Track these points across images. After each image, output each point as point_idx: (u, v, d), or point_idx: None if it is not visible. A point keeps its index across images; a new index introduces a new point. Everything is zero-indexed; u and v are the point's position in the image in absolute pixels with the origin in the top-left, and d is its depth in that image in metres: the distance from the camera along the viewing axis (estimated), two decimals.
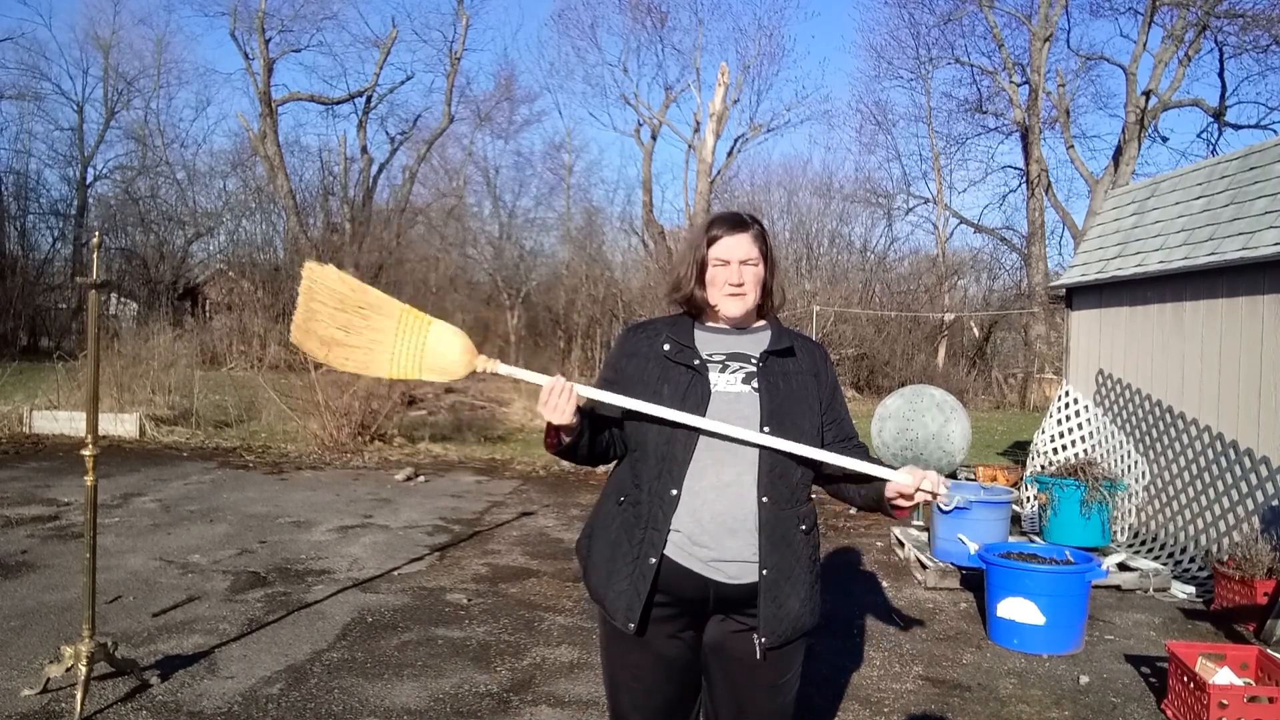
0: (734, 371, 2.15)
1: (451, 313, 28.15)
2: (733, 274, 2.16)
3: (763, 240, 2.21)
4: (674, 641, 2.16)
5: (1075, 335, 8.19)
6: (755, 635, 2.09)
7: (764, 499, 2.07)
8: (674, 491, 2.08)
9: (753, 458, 2.08)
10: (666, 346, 2.18)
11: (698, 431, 2.08)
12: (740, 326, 2.24)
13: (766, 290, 2.23)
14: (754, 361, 2.16)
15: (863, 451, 2.21)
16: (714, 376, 2.13)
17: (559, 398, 2.03)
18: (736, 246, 2.17)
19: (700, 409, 2.09)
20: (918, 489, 2.01)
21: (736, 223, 2.20)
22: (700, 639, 2.19)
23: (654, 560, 2.08)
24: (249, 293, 24.96)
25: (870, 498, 2.16)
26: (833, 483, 2.24)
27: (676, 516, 2.08)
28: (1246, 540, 5.30)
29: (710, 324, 2.25)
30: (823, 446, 2.18)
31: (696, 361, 2.14)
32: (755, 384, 2.13)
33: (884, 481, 2.07)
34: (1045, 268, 25.44)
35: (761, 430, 2.08)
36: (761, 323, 2.28)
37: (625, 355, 2.23)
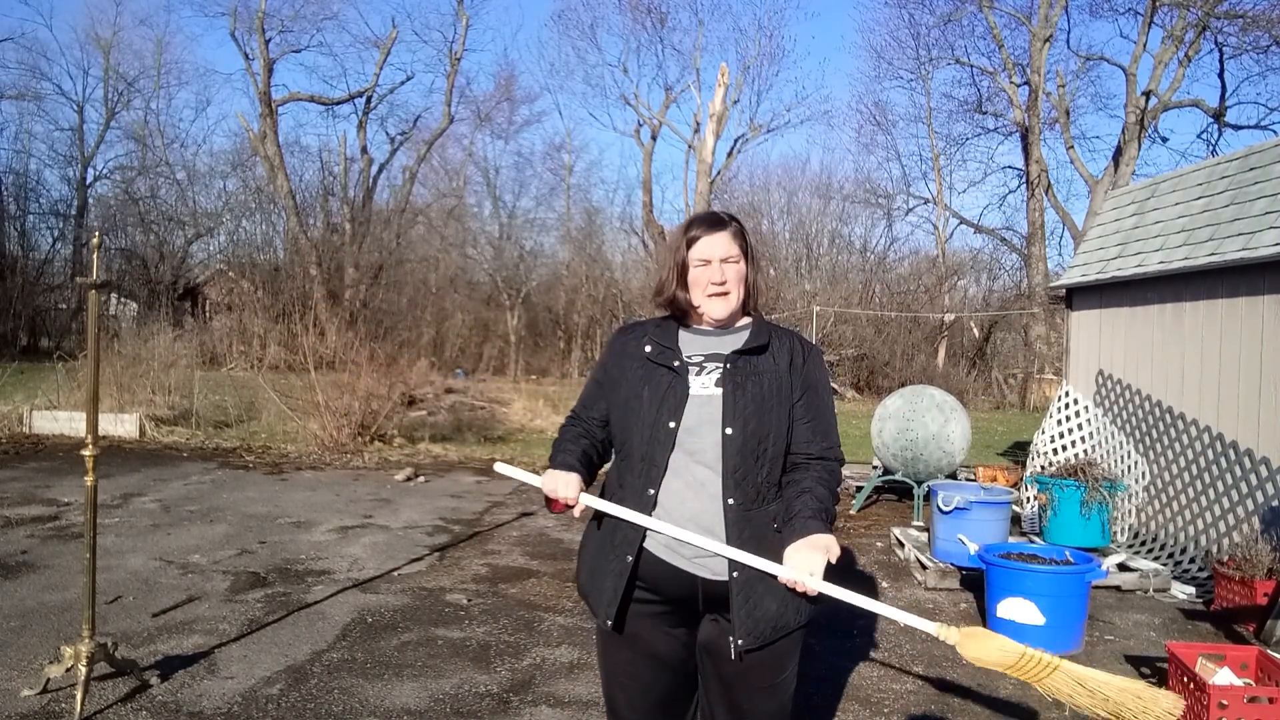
0: (709, 373, 2.15)
1: (451, 313, 28.24)
2: (714, 273, 2.16)
3: (742, 237, 2.21)
4: (667, 639, 2.17)
5: (1075, 335, 8.19)
6: (731, 639, 2.08)
7: (729, 501, 2.07)
8: (651, 491, 2.10)
9: (715, 459, 2.08)
10: (648, 348, 2.19)
11: (673, 438, 2.09)
12: (725, 326, 2.23)
13: (750, 288, 2.23)
14: (725, 362, 2.16)
15: (816, 480, 2.13)
16: (691, 379, 2.14)
17: (563, 494, 2.11)
18: (716, 245, 2.18)
19: (678, 411, 2.10)
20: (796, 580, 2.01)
21: (714, 222, 2.21)
22: (694, 638, 2.20)
23: (630, 558, 2.10)
24: (249, 293, 25.00)
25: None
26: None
27: (654, 515, 2.09)
28: (1246, 541, 5.30)
29: (695, 326, 2.25)
30: (789, 448, 2.16)
31: (676, 363, 2.15)
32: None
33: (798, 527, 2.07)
34: (1045, 268, 25.44)
35: (724, 432, 2.08)
36: (745, 321, 2.27)
37: (612, 357, 2.26)
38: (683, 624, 2.17)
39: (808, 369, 2.20)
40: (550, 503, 2.14)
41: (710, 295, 2.17)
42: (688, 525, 2.07)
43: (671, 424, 2.09)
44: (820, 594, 2.01)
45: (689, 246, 2.19)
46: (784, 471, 2.15)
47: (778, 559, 2.08)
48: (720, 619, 2.14)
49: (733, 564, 2.06)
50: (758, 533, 2.09)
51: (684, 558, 2.09)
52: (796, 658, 2.20)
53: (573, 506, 2.12)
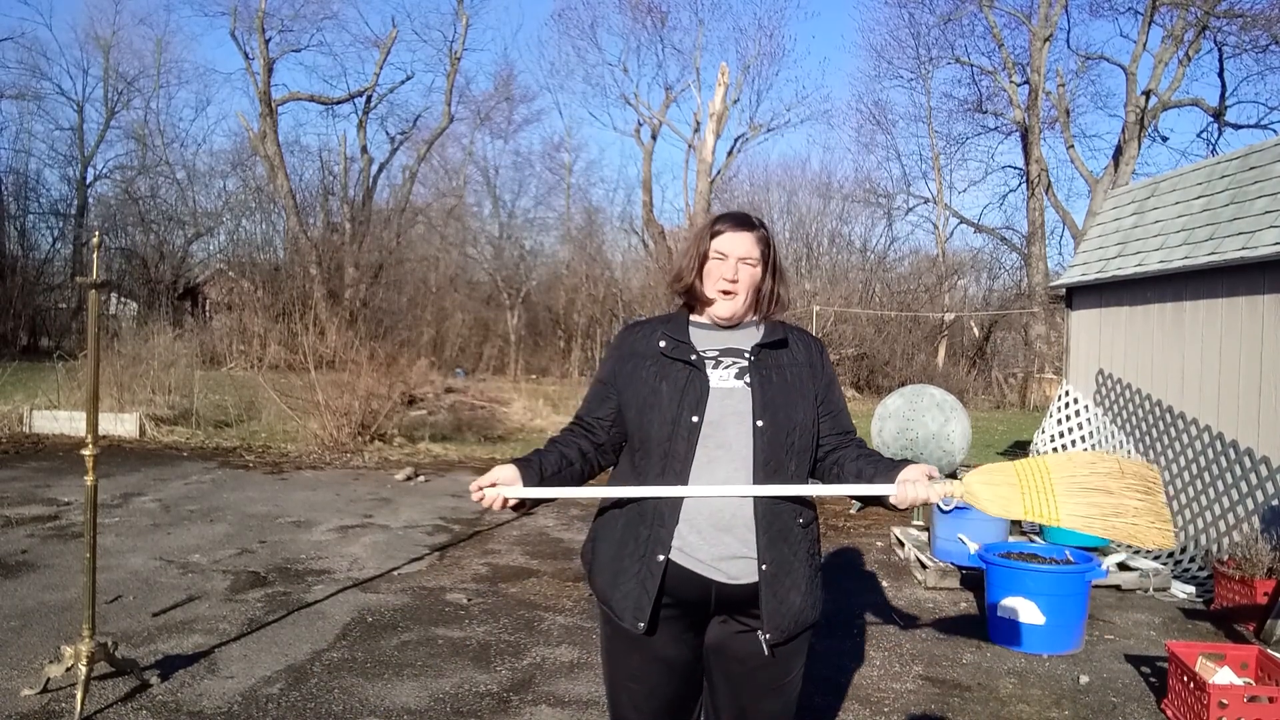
0: (727, 367, 2.14)
1: (451, 312, 28.24)
2: (728, 269, 2.16)
3: (766, 244, 2.21)
4: (675, 642, 2.15)
5: (1075, 335, 8.19)
6: (760, 632, 2.08)
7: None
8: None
9: (746, 454, 2.07)
10: (663, 343, 2.17)
11: (697, 433, 2.07)
12: (729, 326, 2.23)
13: (761, 297, 2.22)
14: (746, 355, 2.16)
15: (861, 448, 2.19)
16: (709, 372, 2.13)
17: (489, 505, 2.05)
18: (738, 243, 2.18)
19: (699, 405, 2.08)
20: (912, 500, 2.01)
21: (743, 221, 2.21)
22: (701, 640, 2.19)
23: (662, 558, 2.07)
24: (249, 293, 25.00)
25: (865, 498, 2.14)
26: (829, 477, 2.21)
27: (680, 514, 2.07)
28: (1246, 540, 5.30)
29: (704, 321, 2.24)
30: (817, 440, 2.18)
31: (693, 357, 2.14)
32: (748, 378, 2.12)
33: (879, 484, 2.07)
34: (1045, 268, 25.46)
35: (755, 424, 2.08)
36: (753, 318, 2.27)
37: (622, 356, 2.23)
38: (691, 627, 2.16)
39: (824, 364, 2.24)
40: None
41: (720, 291, 2.17)
42: (705, 524, 2.06)
43: (695, 419, 2.07)
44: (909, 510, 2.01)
45: (712, 238, 2.19)
46: (811, 469, 2.18)
47: (800, 554, 2.11)
48: (731, 619, 2.13)
49: (761, 559, 2.06)
50: (784, 528, 2.09)
51: (700, 561, 2.07)
52: (803, 658, 2.20)
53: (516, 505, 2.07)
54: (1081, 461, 2.07)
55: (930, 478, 1.99)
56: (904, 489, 1.99)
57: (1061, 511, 2.00)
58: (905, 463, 2.06)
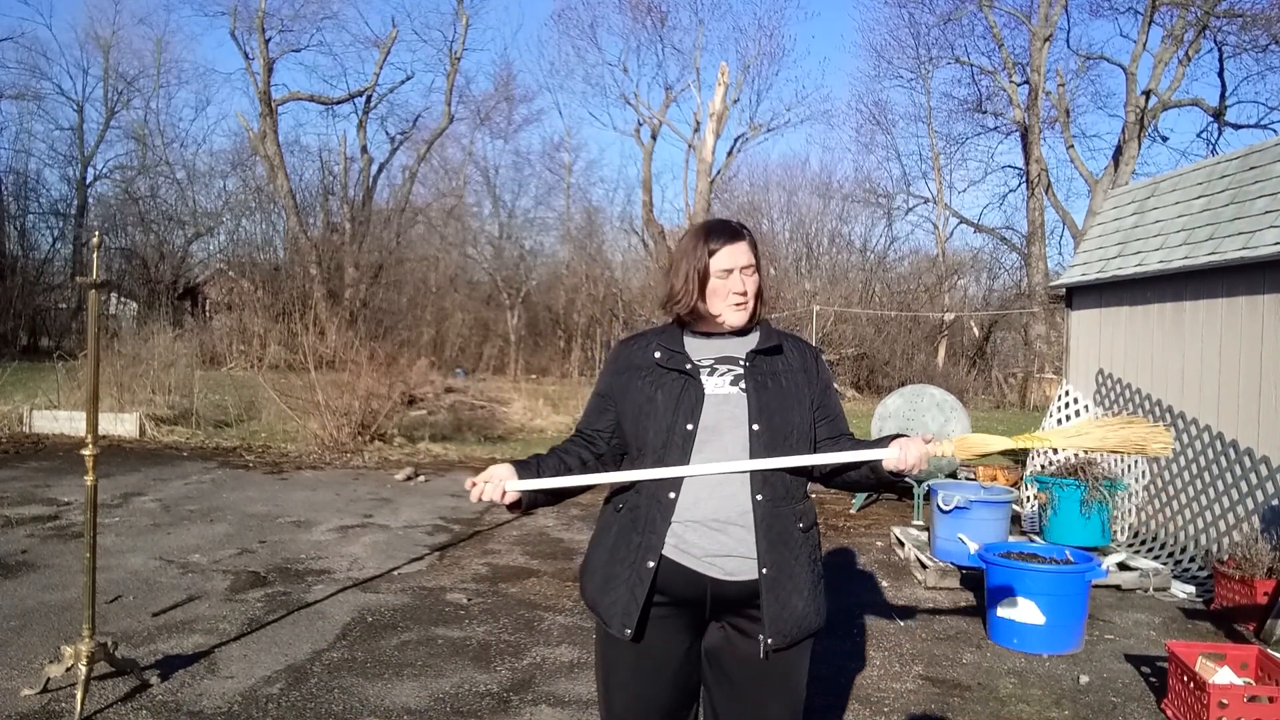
0: (722, 375, 2.15)
1: (451, 312, 28.24)
2: (736, 283, 2.17)
3: (755, 246, 2.25)
4: (670, 645, 2.15)
5: (1075, 335, 8.19)
6: (761, 636, 2.08)
7: (758, 497, 2.07)
8: (671, 495, 2.08)
9: (743, 458, 2.08)
10: (658, 354, 2.19)
11: (691, 440, 2.08)
12: (738, 332, 2.24)
13: (759, 296, 2.25)
14: (741, 362, 2.17)
15: (854, 439, 2.22)
16: (704, 380, 2.14)
17: (489, 495, 2.09)
18: (738, 255, 2.18)
19: (694, 413, 2.10)
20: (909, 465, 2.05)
21: (734, 233, 2.22)
22: (697, 644, 2.18)
23: (652, 564, 2.08)
24: (249, 292, 24.99)
25: (868, 477, 2.17)
26: (830, 477, 2.24)
27: (673, 519, 2.08)
28: (1246, 540, 5.30)
29: (699, 330, 2.25)
30: (815, 444, 2.19)
31: (689, 366, 2.16)
32: (743, 384, 2.14)
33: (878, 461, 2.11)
34: (1045, 267, 25.46)
35: (751, 428, 2.09)
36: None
37: (618, 370, 2.25)
38: (686, 630, 2.16)
39: (820, 369, 2.26)
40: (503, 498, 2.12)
41: (733, 305, 2.18)
42: (699, 526, 2.07)
43: (689, 426, 2.09)
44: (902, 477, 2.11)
45: (710, 256, 2.19)
46: (807, 472, 2.19)
47: (802, 558, 2.11)
48: (727, 625, 2.14)
49: (762, 562, 2.06)
50: (784, 531, 2.09)
51: (694, 558, 2.07)
52: (807, 661, 2.20)
53: (513, 504, 2.12)
54: (1063, 426, 2.23)
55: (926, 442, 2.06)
56: (895, 449, 2.05)
57: (1052, 439, 2.14)
58: (898, 435, 2.11)
